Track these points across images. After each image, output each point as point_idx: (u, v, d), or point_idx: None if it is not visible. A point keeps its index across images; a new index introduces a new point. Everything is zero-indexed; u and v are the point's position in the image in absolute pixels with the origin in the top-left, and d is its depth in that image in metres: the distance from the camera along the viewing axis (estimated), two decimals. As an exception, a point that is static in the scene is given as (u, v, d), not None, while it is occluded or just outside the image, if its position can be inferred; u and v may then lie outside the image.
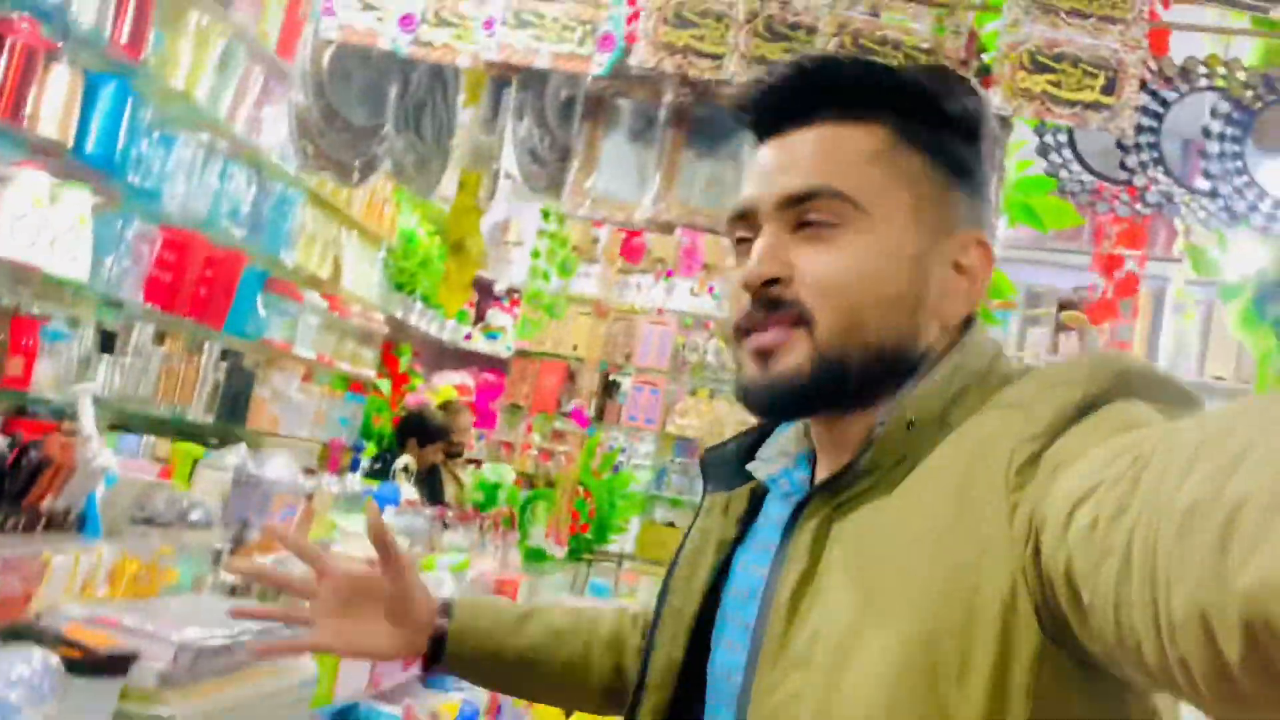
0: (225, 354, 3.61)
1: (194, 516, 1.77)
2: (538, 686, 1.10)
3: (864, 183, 0.75)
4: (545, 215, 3.27)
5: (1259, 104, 2.35)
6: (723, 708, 0.79)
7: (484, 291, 5.73)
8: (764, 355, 0.75)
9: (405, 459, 3.24)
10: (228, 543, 1.87)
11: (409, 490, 3.07)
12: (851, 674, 0.65)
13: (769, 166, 0.79)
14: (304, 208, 3.86)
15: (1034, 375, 0.71)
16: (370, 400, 4.62)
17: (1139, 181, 2.37)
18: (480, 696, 2.48)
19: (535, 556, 3.57)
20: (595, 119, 2.79)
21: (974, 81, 0.83)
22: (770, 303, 0.74)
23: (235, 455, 2.35)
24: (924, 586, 0.64)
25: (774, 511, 0.82)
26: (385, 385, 4.87)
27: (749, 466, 0.83)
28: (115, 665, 1.25)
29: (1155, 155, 2.39)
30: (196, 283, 3.38)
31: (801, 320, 0.73)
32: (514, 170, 2.89)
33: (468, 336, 5.75)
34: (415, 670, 2.17)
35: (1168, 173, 2.38)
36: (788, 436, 0.84)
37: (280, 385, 3.89)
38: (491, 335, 5.85)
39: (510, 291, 5.92)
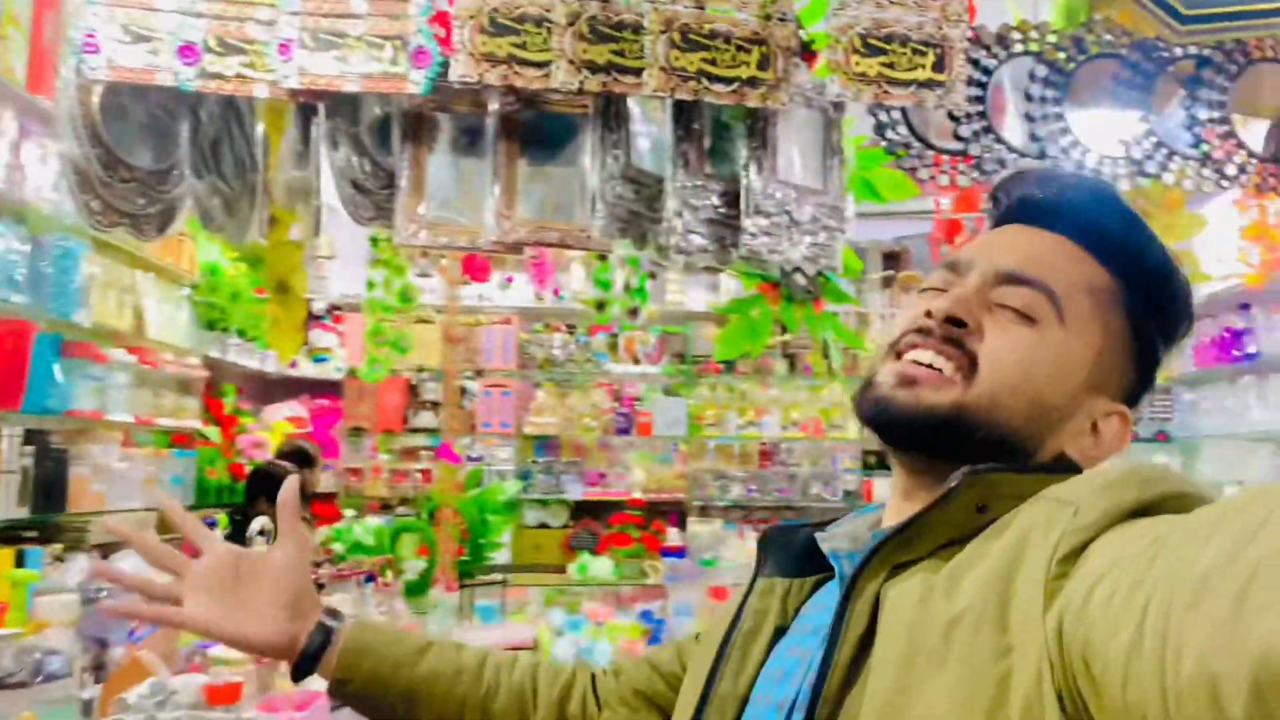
0: (29, 436, 3.22)
1: (52, 667, 1.54)
2: None
3: (1073, 303, 0.78)
4: (374, 243, 3.06)
5: (1071, 64, 2.46)
6: None
7: (303, 312, 5.40)
8: (911, 381, 0.77)
9: (261, 521, 2.98)
10: (93, 687, 1.64)
11: (271, 557, 2.83)
12: None
13: (1004, 244, 0.83)
14: (89, 258, 3.47)
15: (1089, 476, 0.71)
16: (200, 452, 4.26)
17: (974, 150, 2.44)
18: None
19: (416, 591, 3.40)
20: (417, 138, 2.62)
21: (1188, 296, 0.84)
22: (948, 338, 0.77)
23: (76, 569, 2.08)
24: (958, 669, 0.64)
25: (825, 599, 0.81)
26: (213, 432, 4.51)
27: (819, 536, 0.83)
28: None
29: (985, 124, 2.46)
30: (-19, 363, 2.98)
31: (966, 366, 0.76)
32: (336, 203, 2.68)
33: (293, 364, 5.40)
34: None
35: (998, 139, 2.46)
36: (856, 524, 0.86)
37: (99, 458, 3.51)
38: (319, 359, 5.53)
39: (332, 309, 5.61)
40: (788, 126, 2.55)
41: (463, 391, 5.23)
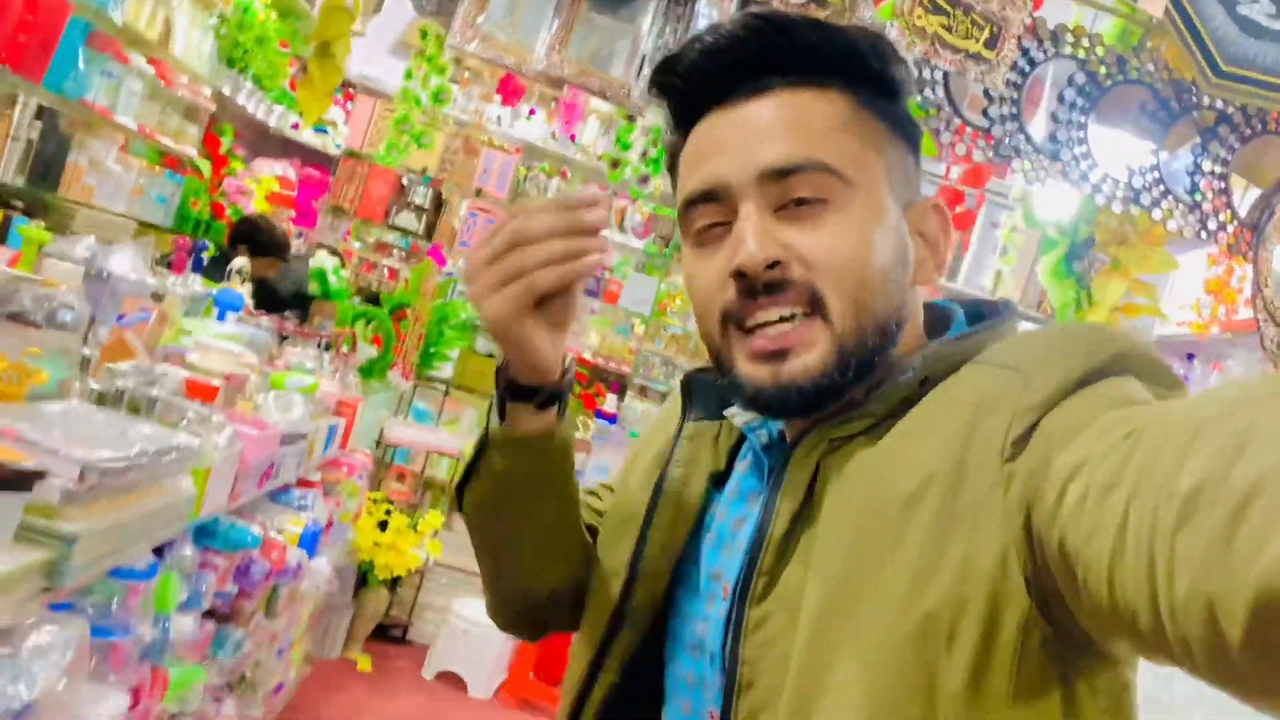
0: (41, 111, 3.28)
1: (65, 318, 1.71)
2: (548, 538, 0.89)
3: (843, 151, 0.71)
4: (423, 35, 3.12)
5: (1109, 81, 2.61)
6: (688, 655, 0.78)
7: (318, 80, 5.38)
8: (773, 355, 0.70)
9: (241, 261, 3.13)
10: (95, 348, 1.82)
11: (246, 294, 3.00)
12: (843, 631, 0.64)
13: (732, 139, 0.72)
14: (139, -40, 3.48)
15: (1030, 338, 0.69)
16: (188, 181, 4.33)
17: (997, 131, 2.60)
18: (322, 516, 2.57)
19: (369, 372, 3.60)
20: (498, -49, 2.70)
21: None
22: (772, 285, 0.69)
23: (84, 247, 2.23)
24: (917, 552, 0.62)
25: (746, 459, 0.81)
26: (205, 166, 4.57)
27: (726, 413, 0.81)
28: (23, 482, 1.25)
29: (1014, 110, 2.61)
30: (15, 27, 3.02)
31: (812, 302, 0.69)
32: (405, -15, 2.76)
33: (295, 125, 5.42)
34: (267, 488, 2.24)
35: (1022, 128, 2.62)
36: None
37: (98, 153, 3.59)
38: (320, 129, 5.55)
39: (346, 85, 5.60)
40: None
41: (445, 204, 5.33)
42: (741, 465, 0.82)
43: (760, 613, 0.69)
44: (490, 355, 5.26)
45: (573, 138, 4.91)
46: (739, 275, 0.70)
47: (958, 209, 3.02)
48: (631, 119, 3.04)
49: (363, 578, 3.67)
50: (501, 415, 0.82)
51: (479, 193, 5.09)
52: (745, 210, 0.71)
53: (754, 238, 0.69)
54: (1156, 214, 2.62)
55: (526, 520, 0.86)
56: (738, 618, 0.71)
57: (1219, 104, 2.58)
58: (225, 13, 4.38)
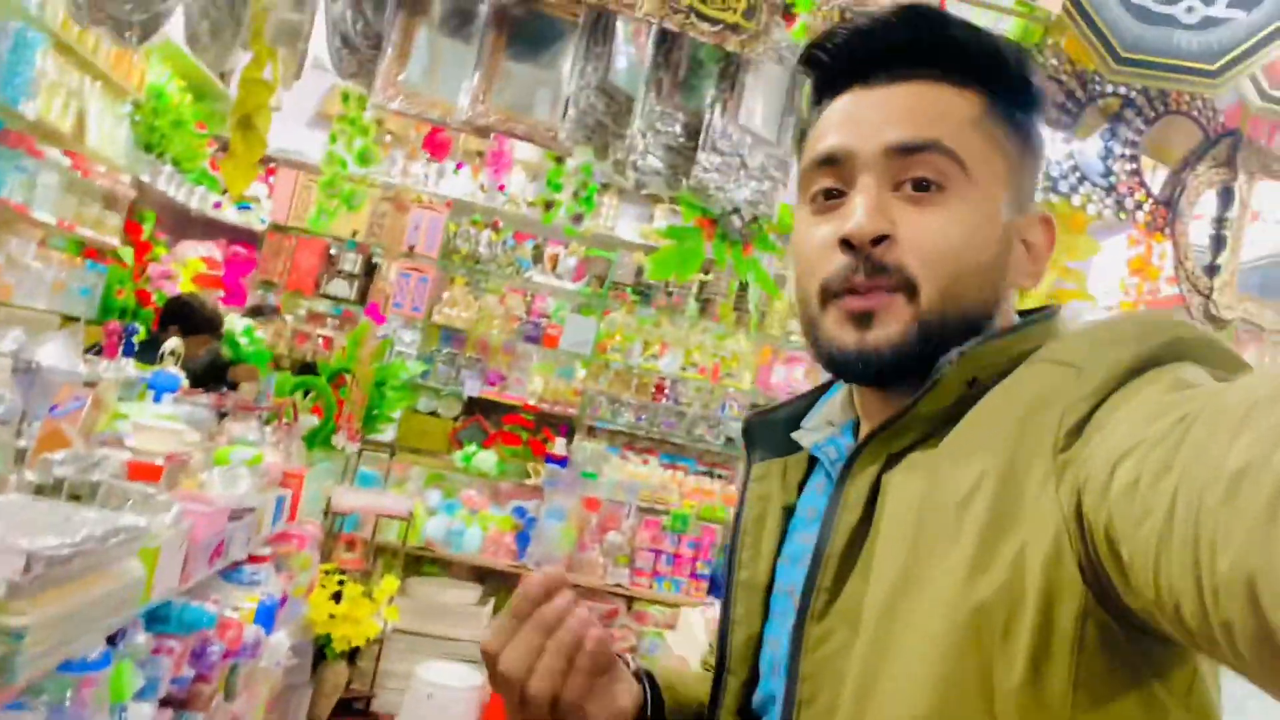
0: (-50, 212, 3.19)
1: (-5, 411, 1.64)
2: None
3: (969, 145, 0.72)
4: (345, 98, 3.12)
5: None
6: (771, 675, 0.78)
7: (236, 158, 5.32)
8: (860, 318, 0.72)
9: (173, 342, 3.05)
10: (30, 440, 1.75)
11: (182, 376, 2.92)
12: (899, 632, 0.65)
13: (867, 115, 0.74)
14: (45, 54, 3.42)
15: (1085, 333, 0.69)
16: (112, 270, 4.23)
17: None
18: (275, 590, 2.49)
19: (313, 442, 3.52)
20: (412, 7, 2.71)
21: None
22: (874, 266, 0.71)
23: (10, 339, 2.15)
24: (971, 546, 0.62)
25: (819, 480, 0.82)
26: (128, 254, 4.48)
27: (794, 435, 0.83)
28: (-38, 577, 1.19)
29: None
30: (-83, 128, 2.95)
31: (905, 286, 0.71)
32: (322, 53, 2.75)
33: (217, 205, 5.35)
34: (218, 566, 2.16)
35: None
36: (833, 405, 0.84)
37: (15, 251, 3.49)
38: (243, 205, 5.48)
39: (266, 159, 5.55)
40: (756, 77, 2.73)
41: (376, 268, 5.29)
42: (812, 488, 0.83)
43: (821, 629, 0.70)
44: (433, 414, 5.20)
45: (502, 188, 4.92)
46: (845, 244, 0.72)
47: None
48: (560, 160, 3.05)
49: (320, 652, 3.56)
50: None
51: (410, 252, 5.06)
52: (864, 182, 0.73)
53: (866, 210, 0.71)
54: (1076, 200, 2.69)
55: None
56: (798, 634, 0.71)
57: (1123, 89, 2.67)
58: (139, 99, 4.33)
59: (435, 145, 3.36)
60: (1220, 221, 2.71)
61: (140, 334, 3.09)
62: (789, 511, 0.83)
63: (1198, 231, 2.72)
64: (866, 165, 0.73)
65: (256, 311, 4.63)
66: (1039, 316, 0.75)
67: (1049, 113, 0.78)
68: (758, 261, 3.00)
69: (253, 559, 2.52)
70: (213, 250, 5.32)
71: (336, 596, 3.48)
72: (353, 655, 3.58)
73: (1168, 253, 2.82)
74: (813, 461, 0.84)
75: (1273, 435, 0.44)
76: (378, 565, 4.05)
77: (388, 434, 4.41)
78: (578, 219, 3.07)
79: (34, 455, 1.76)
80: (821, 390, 0.88)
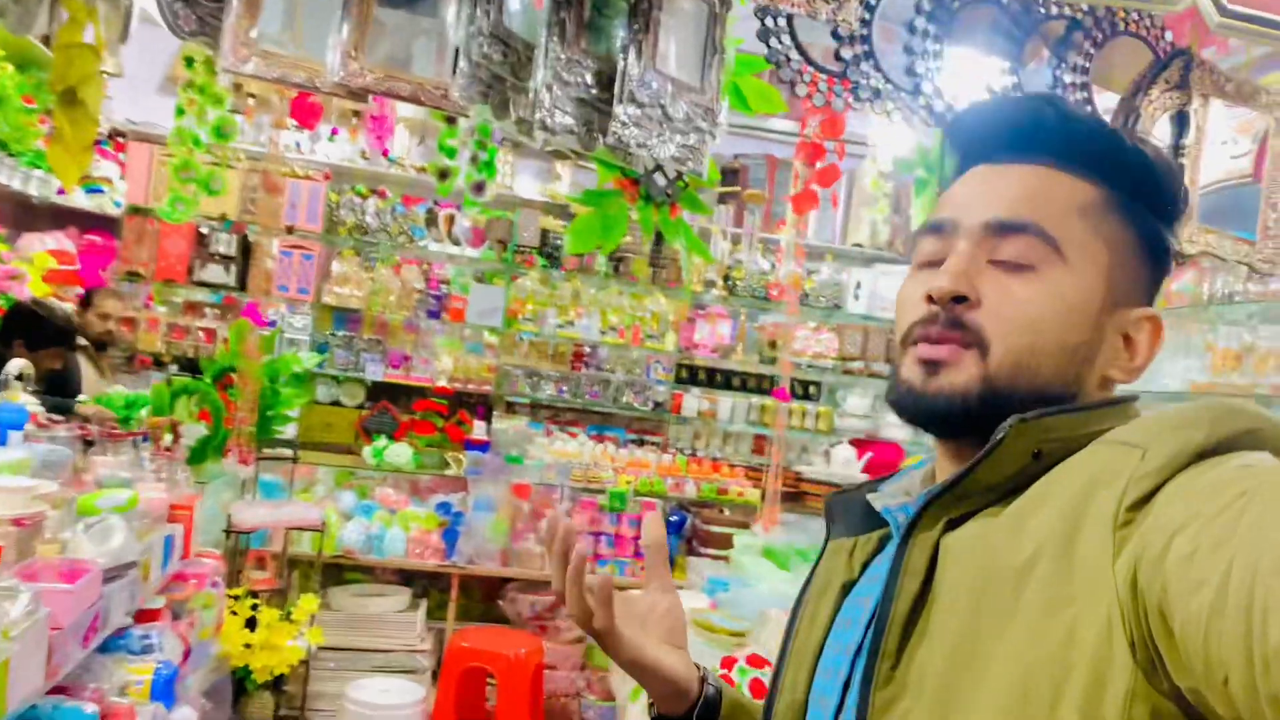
0: None
1: None
2: None
3: (1068, 232, 0.75)
4: (189, 63, 2.67)
5: (956, 2, 2.45)
6: None
7: (80, 135, 4.73)
8: (930, 365, 0.76)
9: (18, 363, 2.61)
10: None
11: (32, 405, 2.50)
12: (955, 702, 0.66)
13: (978, 191, 0.79)
14: None
15: (1156, 417, 0.68)
16: (-58, 276, 3.69)
17: (853, 75, 2.40)
18: (174, 651, 2.14)
19: (198, 458, 3.12)
20: (260, -50, 2.29)
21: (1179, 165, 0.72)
22: (952, 320, 0.76)
23: None
24: (1027, 617, 0.64)
25: (889, 552, 0.82)
26: (-40, 256, 3.92)
27: (870, 497, 0.85)
28: None
29: (867, 48, 2.42)
30: None
31: (977, 345, 0.75)
32: (152, 9, 2.31)
33: (61, 191, 4.76)
34: (95, 643, 1.82)
35: (878, 67, 2.43)
36: (913, 478, 0.87)
37: None
38: (93, 189, 4.91)
39: (114, 134, 4.98)
40: (671, 14, 2.42)
41: (252, 248, 4.83)
42: (876, 560, 0.85)
43: (885, 696, 0.71)
44: (335, 404, 4.80)
45: (385, 153, 4.50)
46: (929, 298, 0.77)
47: (819, 164, 2.83)
48: (451, 121, 2.70)
49: (240, 685, 3.21)
50: None
51: (290, 230, 4.60)
52: (960, 248, 0.77)
53: (952, 271, 0.76)
54: (1027, 135, 2.48)
55: None
56: (863, 702, 0.72)
57: (1066, 10, 2.46)
58: (-51, 76, 3.75)
59: (304, 111, 2.95)
60: (1176, 149, 2.54)
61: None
62: (847, 588, 0.85)
63: (1155, 160, 2.55)
64: (965, 235, 0.77)
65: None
66: (1116, 400, 0.77)
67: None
68: (686, 224, 2.71)
69: (142, 617, 2.17)
70: (62, 241, 4.75)
71: (251, 623, 3.13)
72: (277, 683, 3.24)
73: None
74: (883, 542, 0.85)
75: None
76: (292, 579, 3.68)
77: (287, 432, 4.00)
78: (479, 188, 2.72)
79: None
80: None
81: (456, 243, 4.96)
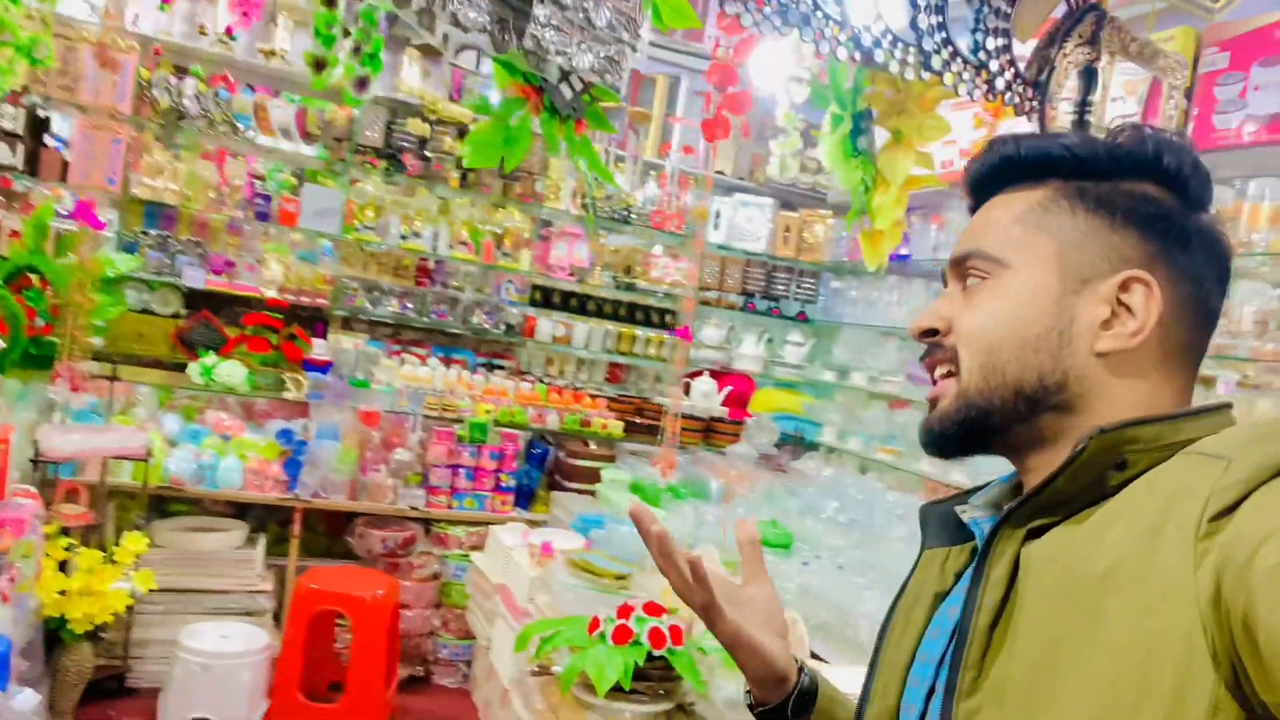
0: None
1: None
2: None
3: (1007, 240, 0.81)
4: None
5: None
6: None
7: None
8: (931, 403, 0.84)
9: None
10: None
11: None
12: (1039, 712, 0.67)
13: (962, 234, 0.87)
14: None
15: (1242, 429, 0.69)
16: None
17: (786, -2, 2.25)
18: (6, 624, 1.80)
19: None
20: None
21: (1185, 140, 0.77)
22: (928, 351, 0.85)
23: None
24: (1109, 628, 0.64)
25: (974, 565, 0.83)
26: None
27: (958, 509, 0.88)
28: None
29: (801, -29, 2.27)
30: None
31: (954, 365, 0.82)
32: None
33: None
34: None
35: (808, -8, 2.29)
36: (1000, 490, 0.88)
37: None
38: None
39: None
40: (597, -93, 2.17)
41: (45, 125, 4.17)
42: (968, 572, 0.84)
43: (968, 707, 0.72)
44: (146, 311, 4.26)
45: (230, 31, 3.95)
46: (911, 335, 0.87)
47: (731, 89, 2.68)
48: (330, 3, 2.33)
49: (53, 635, 2.83)
50: None
51: (82, 108, 3.96)
52: (945, 289, 0.88)
53: (926, 312, 0.86)
54: (948, 79, 2.42)
55: None
56: (946, 714, 0.73)
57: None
58: None
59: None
60: (1084, 105, 2.56)
61: None
62: (940, 597, 0.87)
63: (1064, 117, 2.55)
64: (949, 274, 0.87)
65: None
66: (1206, 409, 0.76)
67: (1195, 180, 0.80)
68: (590, 143, 2.50)
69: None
70: None
71: (64, 565, 2.74)
72: (98, 629, 2.87)
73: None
74: (975, 553, 0.85)
75: None
76: (110, 511, 3.26)
77: (95, 344, 3.49)
78: (362, 84, 2.36)
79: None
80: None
81: (287, 136, 4.45)
